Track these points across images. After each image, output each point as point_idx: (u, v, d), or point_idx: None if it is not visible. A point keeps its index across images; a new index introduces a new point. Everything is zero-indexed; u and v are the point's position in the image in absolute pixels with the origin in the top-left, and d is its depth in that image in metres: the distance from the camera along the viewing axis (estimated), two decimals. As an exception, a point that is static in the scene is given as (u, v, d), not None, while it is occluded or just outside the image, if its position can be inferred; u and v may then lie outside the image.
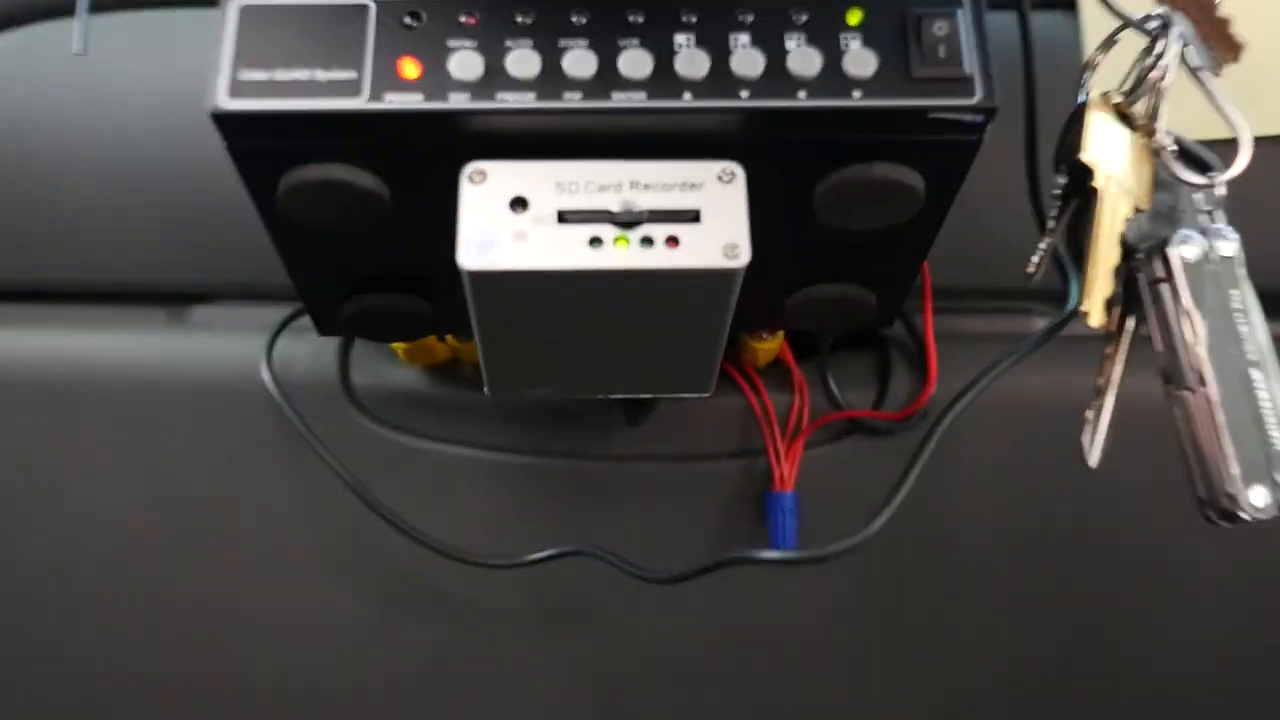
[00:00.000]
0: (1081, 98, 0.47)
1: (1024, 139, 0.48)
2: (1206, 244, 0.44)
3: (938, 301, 0.60)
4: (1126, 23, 0.47)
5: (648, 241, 0.40)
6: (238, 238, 0.63)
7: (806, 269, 0.50)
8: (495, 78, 0.40)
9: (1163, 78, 0.46)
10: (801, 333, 0.62)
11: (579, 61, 0.40)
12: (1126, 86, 0.47)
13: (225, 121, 0.40)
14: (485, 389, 0.51)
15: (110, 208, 0.65)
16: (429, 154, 0.42)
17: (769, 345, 0.62)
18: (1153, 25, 0.47)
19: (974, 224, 0.60)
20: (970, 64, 0.41)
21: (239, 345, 0.64)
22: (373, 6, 0.41)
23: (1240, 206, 0.47)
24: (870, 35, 0.41)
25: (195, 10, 0.68)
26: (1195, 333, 0.43)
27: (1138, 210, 0.46)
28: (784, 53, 0.40)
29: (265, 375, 0.62)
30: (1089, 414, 0.46)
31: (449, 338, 0.61)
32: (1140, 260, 0.45)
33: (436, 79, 0.40)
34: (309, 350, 0.63)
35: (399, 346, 0.62)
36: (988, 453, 0.62)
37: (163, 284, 0.66)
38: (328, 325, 0.55)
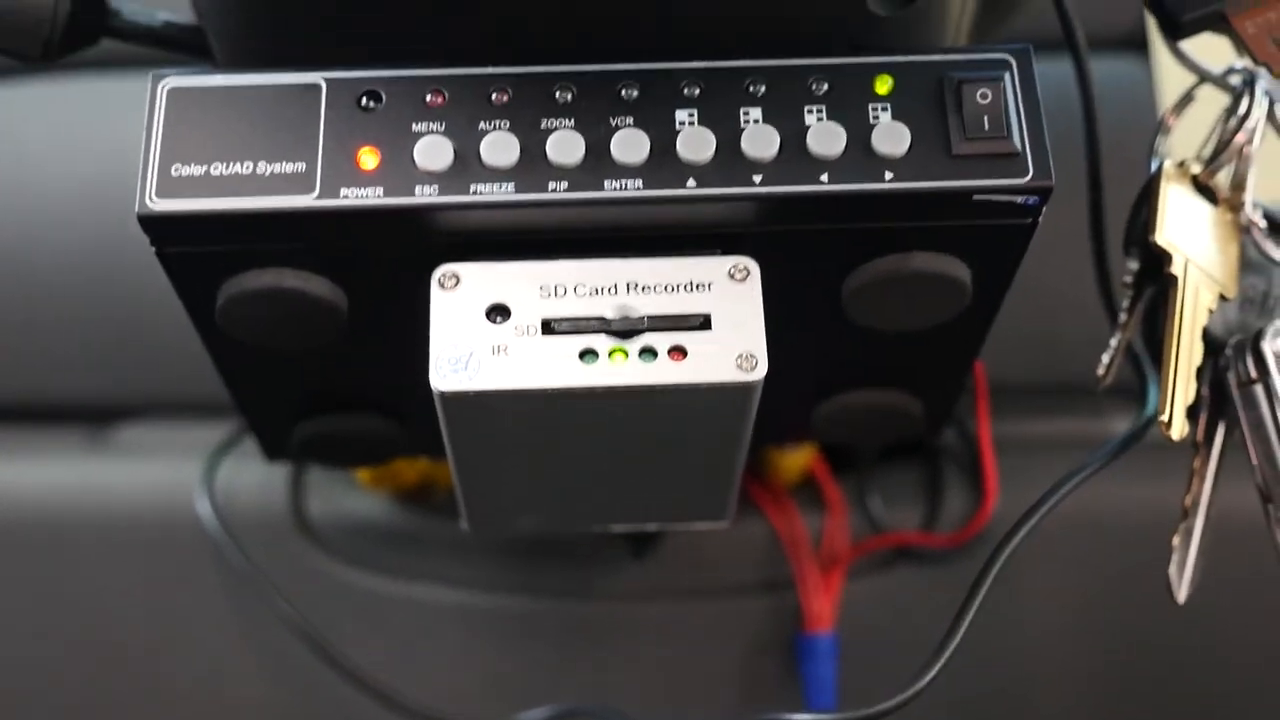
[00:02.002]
0: (1154, 167, 0.48)
1: (1088, 216, 0.49)
2: (1307, 336, 0.45)
3: (995, 402, 0.61)
4: (1204, 78, 0.48)
5: (649, 353, 0.41)
6: (168, 343, 0.64)
7: (837, 375, 0.51)
8: (468, 167, 0.41)
9: (1249, 142, 0.47)
10: (837, 444, 0.63)
11: (564, 145, 0.41)
12: (1207, 153, 0.48)
13: (154, 225, 0.41)
14: (463, 524, 0.52)
15: (15, 308, 0.66)
16: (393, 256, 0.43)
17: (798, 460, 0.63)
18: (1236, 80, 0.48)
19: (1035, 310, 0.61)
20: (1019, 136, 0.41)
21: (171, 471, 0.65)
22: (323, 85, 0.42)
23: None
24: (902, 106, 0.42)
25: (117, 74, 0.69)
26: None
27: (1223, 299, 0.47)
28: (803, 129, 0.41)
29: (203, 506, 0.63)
30: (1175, 540, 0.46)
31: (419, 459, 0.62)
32: (1229, 357, 0.46)
33: (400, 170, 0.41)
34: (255, 476, 0.64)
35: (362, 471, 0.62)
36: (1059, 583, 0.63)
37: (80, 399, 0.67)
38: (277, 450, 0.56)
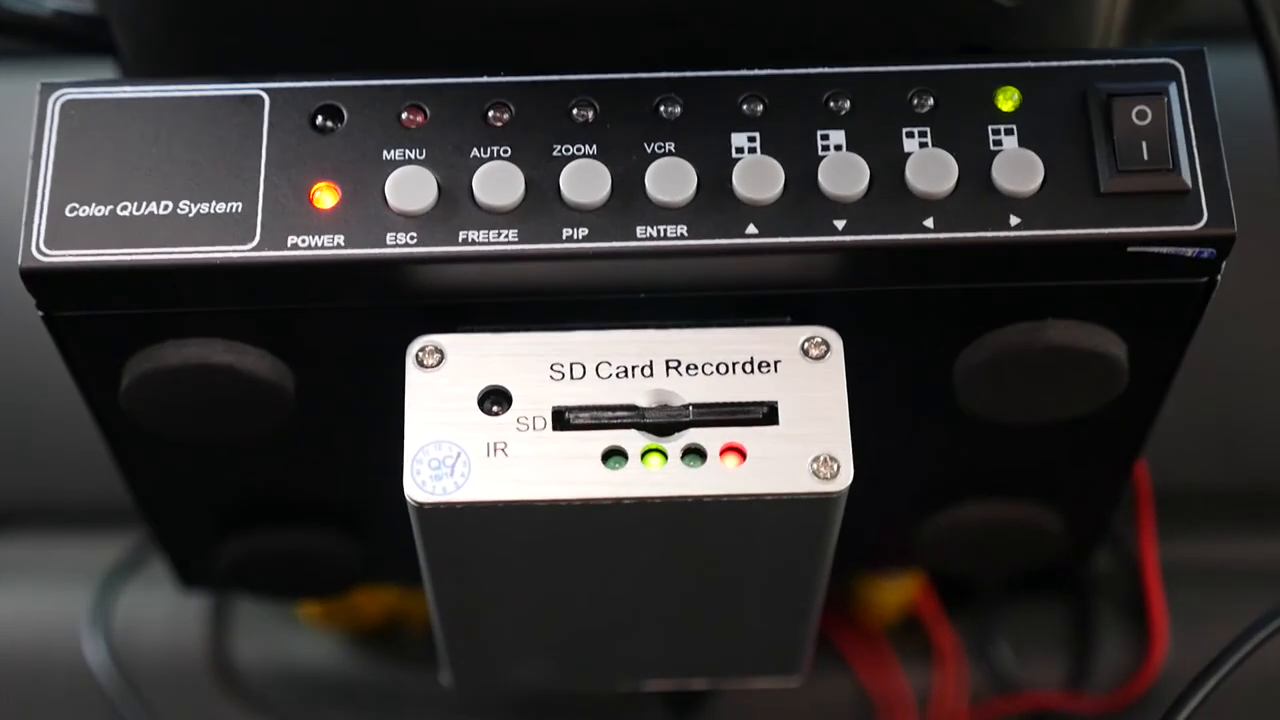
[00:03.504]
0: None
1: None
2: None
3: (1164, 517, 0.62)
4: None
5: (695, 455, 0.42)
6: (52, 432, 0.65)
7: (948, 482, 0.52)
8: (456, 207, 0.43)
9: None
10: (950, 573, 0.63)
11: (584, 179, 0.43)
12: None
13: (42, 282, 0.42)
14: (443, 677, 0.53)
15: None
16: (356, 324, 0.44)
17: (897, 593, 0.64)
18: None
19: (1214, 395, 0.62)
20: (1189, 168, 0.43)
21: (52, 600, 0.66)
22: (266, 99, 0.43)
23: None
24: (1033, 128, 0.43)
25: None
26: None
27: None
28: (901, 158, 0.43)
29: (94, 647, 0.64)
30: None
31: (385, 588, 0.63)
32: None
33: (366, 211, 0.42)
34: (164, 608, 0.65)
35: (308, 604, 0.63)
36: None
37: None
38: (195, 574, 0.57)
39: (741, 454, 0.42)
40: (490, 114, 0.43)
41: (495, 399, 0.43)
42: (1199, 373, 0.50)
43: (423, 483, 0.41)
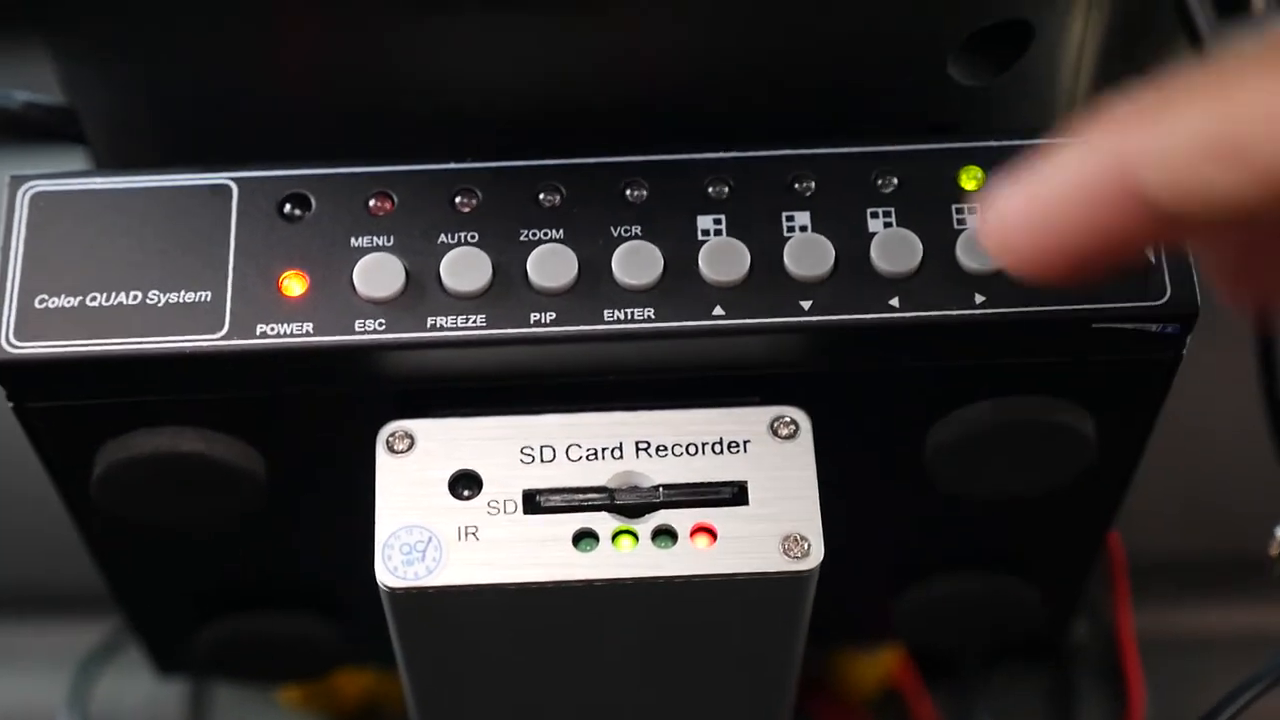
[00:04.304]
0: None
1: (1253, 341, 0.51)
2: None
3: (1139, 587, 0.62)
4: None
5: (666, 537, 0.42)
6: (24, 520, 0.65)
7: (922, 556, 0.53)
8: (424, 293, 0.43)
9: None
10: (928, 645, 0.64)
11: (551, 263, 0.43)
12: None
13: (13, 374, 0.43)
14: (422, 759, 0.53)
15: None
16: (326, 411, 0.45)
17: (876, 667, 0.64)
18: None
19: (1186, 465, 0.62)
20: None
21: (30, 686, 0.66)
22: (234, 189, 0.44)
23: None
24: None
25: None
26: None
27: None
28: (866, 238, 0.43)
29: (72, 735, 0.64)
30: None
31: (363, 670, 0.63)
32: None
33: (335, 298, 0.43)
34: (142, 694, 0.65)
35: (288, 687, 0.64)
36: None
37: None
38: (172, 660, 0.57)
39: (712, 534, 0.42)
40: (458, 200, 0.44)
41: (466, 483, 0.43)
42: (1171, 443, 0.50)
43: (394, 568, 0.42)
